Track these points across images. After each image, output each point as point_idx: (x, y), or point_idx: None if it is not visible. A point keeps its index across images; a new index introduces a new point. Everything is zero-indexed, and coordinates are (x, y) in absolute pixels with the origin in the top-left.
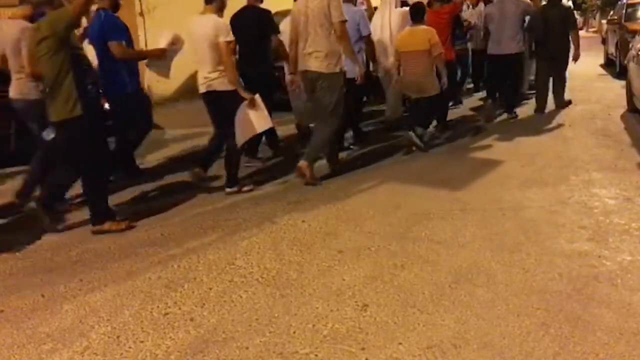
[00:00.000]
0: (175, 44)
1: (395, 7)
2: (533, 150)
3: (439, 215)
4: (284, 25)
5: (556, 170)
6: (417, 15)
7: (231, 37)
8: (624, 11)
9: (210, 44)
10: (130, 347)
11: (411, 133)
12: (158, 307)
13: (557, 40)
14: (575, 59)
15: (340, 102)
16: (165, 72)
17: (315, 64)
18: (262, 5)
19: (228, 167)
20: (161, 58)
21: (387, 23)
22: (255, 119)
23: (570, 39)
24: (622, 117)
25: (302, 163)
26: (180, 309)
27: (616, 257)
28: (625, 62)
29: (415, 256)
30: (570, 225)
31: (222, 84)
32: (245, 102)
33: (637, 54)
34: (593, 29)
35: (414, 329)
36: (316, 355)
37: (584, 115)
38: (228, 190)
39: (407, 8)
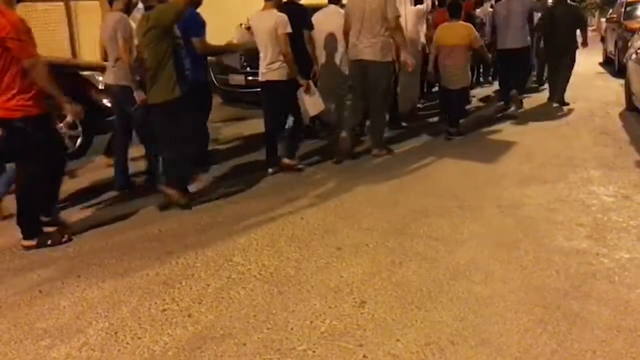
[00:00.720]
0: (243, 38)
1: (410, 5)
2: (531, 148)
3: (437, 213)
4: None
5: (555, 168)
6: (455, 11)
7: (289, 30)
8: (623, 10)
9: (271, 37)
10: (128, 343)
11: (450, 131)
12: (156, 303)
13: (563, 38)
14: (584, 46)
15: (390, 88)
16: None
17: (370, 54)
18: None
19: (291, 143)
20: (234, 52)
21: (403, 21)
22: (311, 103)
23: (576, 37)
24: (621, 115)
25: (375, 151)
26: (178, 305)
27: (614, 254)
28: (624, 60)
29: (414, 253)
30: (569, 223)
31: (281, 75)
32: (302, 88)
33: (636, 53)
34: (592, 28)
35: (412, 325)
36: (314, 352)
37: (582, 114)
38: (286, 161)
39: (420, 6)
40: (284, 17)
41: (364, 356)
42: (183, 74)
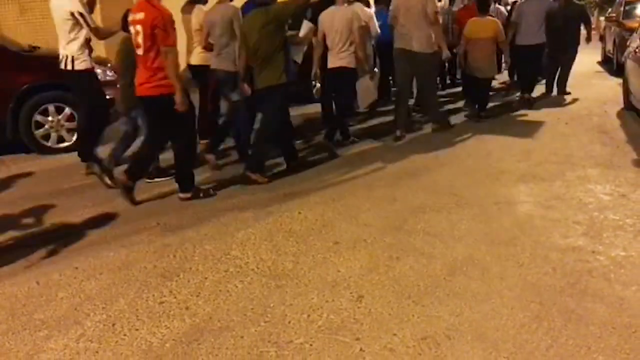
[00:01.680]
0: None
1: None
2: (529, 146)
3: (434, 209)
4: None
5: (552, 166)
6: (483, 7)
7: (364, 23)
8: (622, 9)
9: (346, 29)
10: (125, 335)
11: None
12: (154, 295)
13: (569, 34)
14: (588, 41)
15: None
16: (298, 56)
17: (417, 45)
18: None
19: (342, 125)
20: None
21: None
22: (369, 91)
23: (579, 33)
24: (619, 114)
25: (434, 126)
26: (175, 297)
27: (610, 252)
28: (623, 59)
29: (411, 249)
30: (565, 221)
31: (349, 62)
32: (367, 76)
33: (635, 52)
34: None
35: (409, 320)
36: (311, 345)
37: (580, 112)
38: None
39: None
40: (359, 12)
41: (361, 350)
42: (289, 65)
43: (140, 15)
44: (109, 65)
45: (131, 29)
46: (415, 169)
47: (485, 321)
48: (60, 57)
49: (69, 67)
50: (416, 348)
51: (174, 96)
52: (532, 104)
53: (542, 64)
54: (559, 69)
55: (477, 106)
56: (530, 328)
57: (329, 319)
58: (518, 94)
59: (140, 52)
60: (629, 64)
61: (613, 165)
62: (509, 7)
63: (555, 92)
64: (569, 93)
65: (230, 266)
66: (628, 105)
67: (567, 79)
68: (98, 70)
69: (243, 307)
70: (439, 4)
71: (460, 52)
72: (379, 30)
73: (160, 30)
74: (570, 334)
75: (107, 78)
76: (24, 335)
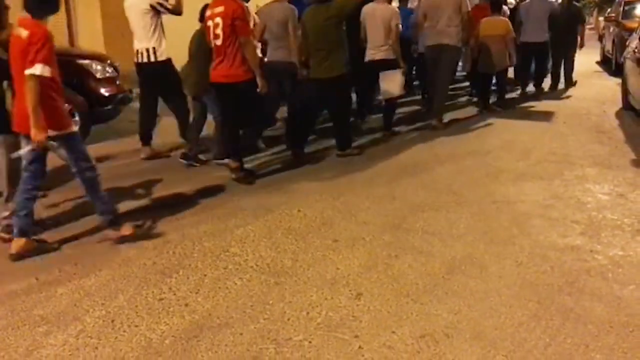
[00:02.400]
0: None
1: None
2: (528, 146)
3: (433, 208)
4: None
5: (551, 165)
6: (495, 7)
7: (399, 21)
8: (621, 9)
9: (385, 25)
10: (124, 331)
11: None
12: (153, 292)
13: (567, 33)
14: (580, 47)
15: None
16: None
17: (447, 40)
18: None
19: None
20: None
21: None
22: (396, 84)
23: (576, 33)
24: (617, 114)
25: (435, 122)
26: (175, 294)
27: (608, 251)
28: (622, 59)
29: (410, 247)
30: (563, 220)
31: (388, 55)
32: (399, 70)
33: (633, 52)
34: (590, 26)
35: (407, 318)
36: (310, 342)
37: (579, 112)
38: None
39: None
40: (398, 11)
41: (360, 347)
42: (346, 56)
43: (220, 9)
44: (108, 62)
45: (209, 22)
46: (414, 167)
47: (484, 319)
48: (139, 51)
49: (152, 59)
50: (415, 346)
51: (251, 82)
52: (538, 95)
53: (546, 61)
54: (563, 63)
55: (489, 99)
56: (528, 326)
57: (327, 317)
58: (519, 90)
59: (219, 42)
60: (628, 64)
61: (611, 165)
62: (511, 6)
63: (563, 85)
64: (576, 82)
65: (230, 263)
66: (627, 105)
67: (572, 71)
68: (98, 67)
69: (242, 304)
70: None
71: (473, 47)
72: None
73: (240, 21)
74: (568, 332)
75: (107, 75)
76: (24, 330)
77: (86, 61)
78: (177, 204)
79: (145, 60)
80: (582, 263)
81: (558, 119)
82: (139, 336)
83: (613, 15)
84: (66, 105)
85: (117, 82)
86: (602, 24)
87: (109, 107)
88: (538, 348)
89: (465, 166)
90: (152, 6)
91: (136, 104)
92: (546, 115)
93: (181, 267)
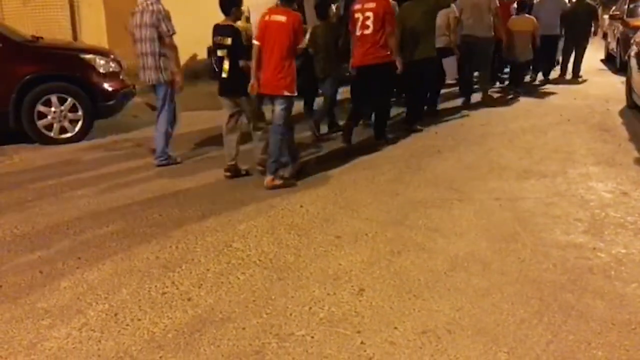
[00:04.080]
0: None
1: None
2: (531, 143)
3: (436, 204)
4: None
5: (554, 163)
6: (522, 7)
7: (458, 15)
8: (626, 7)
9: (444, 18)
10: (127, 325)
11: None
12: (156, 286)
13: (582, 28)
14: (595, 34)
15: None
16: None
17: (481, 33)
18: None
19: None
20: None
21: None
22: (453, 68)
23: (591, 27)
24: (621, 112)
25: (483, 97)
26: (178, 288)
27: (611, 249)
28: (626, 57)
29: (412, 243)
30: (566, 218)
31: (446, 43)
32: (454, 57)
33: (638, 50)
34: None
35: (410, 314)
36: (312, 337)
37: (583, 110)
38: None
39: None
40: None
41: (362, 342)
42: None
43: (371, 5)
44: (112, 56)
45: (358, 15)
46: (417, 164)
47: (486, 316)
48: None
49: None
50: (417, 342)
51: (392, 63)
52: (544, 84)
53: (556, 53)
54: (574, 56)
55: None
56: (530, 323)
57: (330, 312)
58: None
59: (367, 32)
60: (632, 62)
61: (615, 163)
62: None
63: (570, 76)
64: (581, 77)
65: (232, 258)
66: (631, 103)
67: (580, 64)
68: (102, 62)
69: (245, 299)
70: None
71: (504, 41)
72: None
73: (389, 15)
74: (570, 329)
75: (111, 70)
76: (27, 323)
77: (89, 56)
78: (180, 199)
79: None
80: (585, 261)
81: (562, 117)
82: (141, 330)
83: (617, 13)
84: (70, 99)
85: (121, 77)
86: (606, 21)
87: (112, 102)
88: (540, 345)
89: (468, 163)
90: None
91: (139, 99)
92: (550, 113)
93: (184, 261)
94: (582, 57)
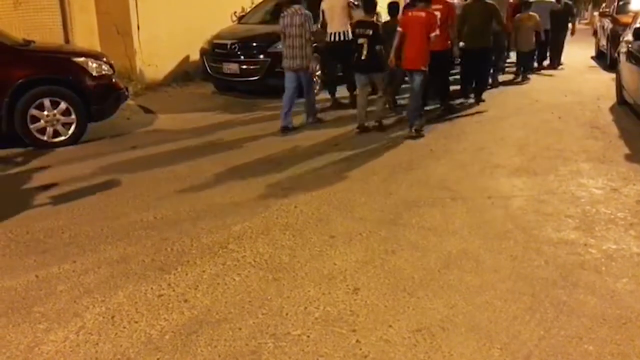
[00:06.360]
0: None
1: None
2: (523, 141)
3: (429, 203)
4: None
5: (545, 161)
6: (527, 6)
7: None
8: (615, 4)
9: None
10: (124, 327)
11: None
12: (152, 288)
13: (560, 24)
14: (572, 34)
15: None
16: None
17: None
18: None
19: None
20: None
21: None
22: None
23: (568, 24)
24: (611, 109)
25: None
26: (174, 290)
27: (601, 245)
28: (616, 54)
29: (406, 242)
30: (558, 214)
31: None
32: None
33: (627, 47)
34: (585, 21)
35: (404, 312)
36: (308, 337)
37: (573, 107)
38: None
39: None
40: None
41: (357, 341)
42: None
43: (438, 6)
44: (104, 59)
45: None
46: (410, 163)
47: (479, 313)
48: (334, 33)
49: (344, 39)
50: (411, 339)
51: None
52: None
53: (547, 45)
54: (556, 45)
55: (522, 69)
56: (523, 319)
57: (325, 311)
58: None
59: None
60: (622, 59)
61: (605, 159)
62: None
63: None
64: (562, 64)
65: (228, 259)
66: (621, 100)
67: (561, 52)
68: (94, 65)
69: (241, 300)
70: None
71: (512, 33)
72: None
73: (453, 12)
74: (562, 325)
75: (103, 72)
76: (24, 327)
77: (82, 59)
78: (174, 201)
79: (338, 39)
80: (576, 257)
81: (553, 114)
82: (139, 332)
83: (607, 10)
84: (63, 102)
85: (113, 80)
86: (596, 18)
87: (105, 105)
88: (532, 341)
89: (460, 162)
90: (348, 3)
91: (131, 102)
92: (542, 111)
93: (180, 263)
94: (562, 45)
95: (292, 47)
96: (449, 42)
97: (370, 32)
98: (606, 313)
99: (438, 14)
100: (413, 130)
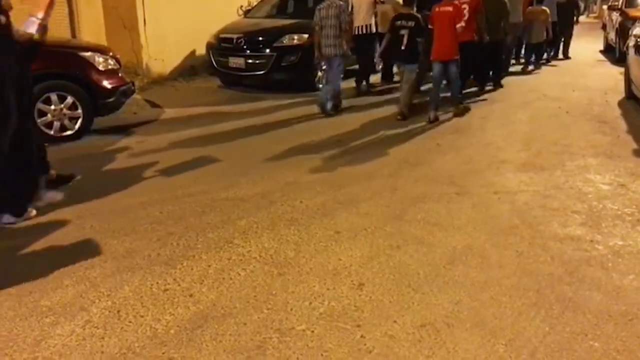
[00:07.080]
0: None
1: None
2: (530, 136)
3: (434, 198)
4: None
5: (552, 156)
6: (538, 0)
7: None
8: None
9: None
10: (130, 322)
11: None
12: (158, 283)
13: (567, 17)
14: (575, 24)
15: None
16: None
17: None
18: None
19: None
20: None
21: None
22: None
23: (574, 17)
24: (620, 103)
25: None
26: (179, 285)
27: (608, 241)
28: (625, 48)
29: (411, 237)
30: (564, 210)
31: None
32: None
33: (636, 41)
34: (594, 14)
35: (409, 307)
36: (312, 332)
37: (581, 101)
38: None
39: None
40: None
41: (362, 336)
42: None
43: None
44: (110, 54)
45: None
46: (416, 158)
47: (484, 309)
48: (360, 26)
49: (369, 31)
50: (416, 335)
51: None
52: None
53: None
54: (564, 39)
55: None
56: (528, 315)
57: (330, 306)
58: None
59: (464, 19)
60: (631, 53)
61: (613, 155)
62: None
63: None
64: (570, 58)
65: (233, 254)
66: (630, 94)
67: (569, 46)
68: (100, 59)
69: (246, 295)
70: None
71: (525, 26)
72: None
73: (480, 6)
74: (568, 321)
75: (109, 67)
76: (31, 321)
77: (88, 53)
78: (180, 196)
79: (365, 32)
80: (582, 253)
81: (561, 109)
82: (144, 326)
83: (616, 3)
84: (70, 97)
85: (120, 74)
86: (605, 12)
87: (112, 99)
88: (537, 337)
89: (466, 157)
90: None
91: (138, 96)
92: (549, 106)
93: (185, 258)
94: (570, 37)
95: (327, 37)
96: (474, 33)
97: (413, 24)
98: (612, 309)
99: (466, 6)
100: (461, 107)
